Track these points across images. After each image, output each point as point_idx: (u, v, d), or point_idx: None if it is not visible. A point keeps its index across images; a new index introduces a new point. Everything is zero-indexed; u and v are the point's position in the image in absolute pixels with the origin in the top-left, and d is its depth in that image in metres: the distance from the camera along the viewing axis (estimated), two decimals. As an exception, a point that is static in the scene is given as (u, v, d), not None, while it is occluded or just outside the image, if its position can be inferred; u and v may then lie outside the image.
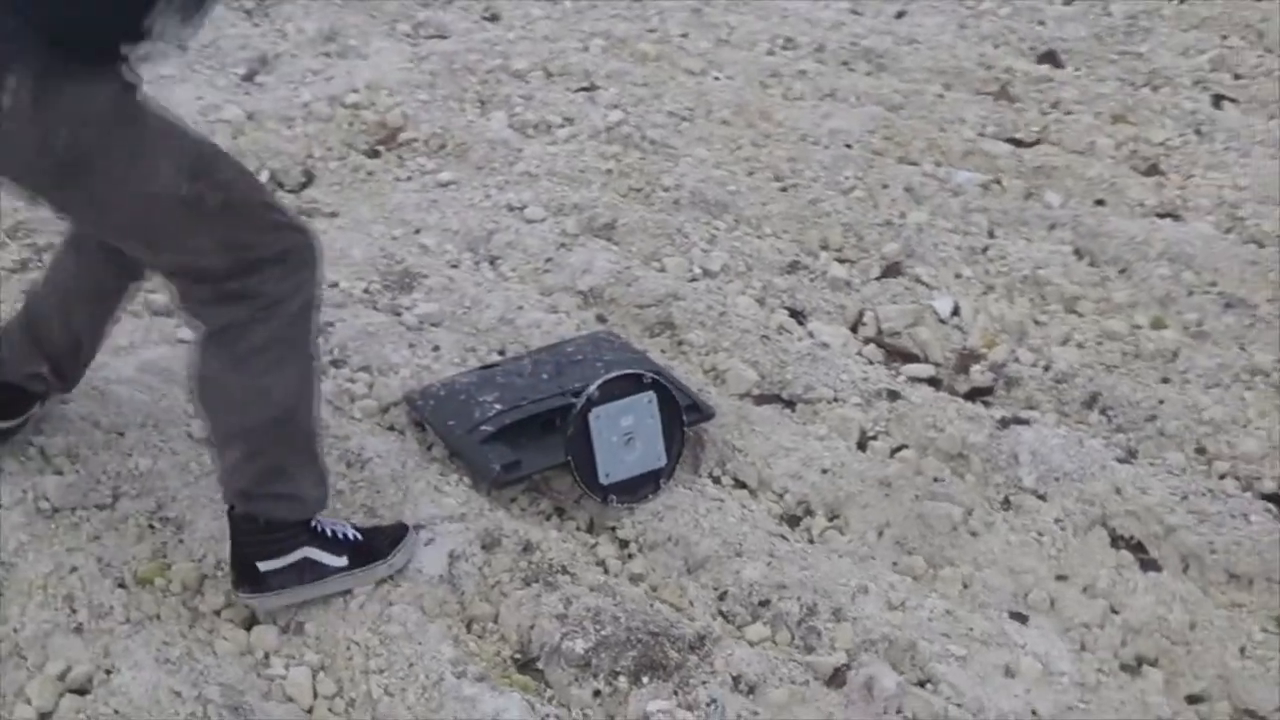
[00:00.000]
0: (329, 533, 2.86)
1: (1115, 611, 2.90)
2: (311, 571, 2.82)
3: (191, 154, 2.56)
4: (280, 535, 2.80)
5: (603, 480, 3.05)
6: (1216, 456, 3.27)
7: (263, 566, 2.81)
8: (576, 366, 3.34)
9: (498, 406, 3.21)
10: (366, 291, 3.83)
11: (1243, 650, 2.81)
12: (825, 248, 4.04)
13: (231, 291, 2.60)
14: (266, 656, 2.78)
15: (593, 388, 3.05)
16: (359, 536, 2.90)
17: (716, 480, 3.24)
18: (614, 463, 3.06)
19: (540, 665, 2.76)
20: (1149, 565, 3.02)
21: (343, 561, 2.85)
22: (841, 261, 3.99)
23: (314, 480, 2.85)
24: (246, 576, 2.82)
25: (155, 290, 3.70)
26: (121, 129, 2.45)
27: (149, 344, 3.57)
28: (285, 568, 2.81)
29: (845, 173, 4.36)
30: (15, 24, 2.34)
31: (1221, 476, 3.22)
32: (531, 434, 3.17)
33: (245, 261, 2.58)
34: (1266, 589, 2.95)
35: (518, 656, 2.79)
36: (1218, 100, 4.75)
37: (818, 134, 4.60)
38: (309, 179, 4.39)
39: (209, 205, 2.53)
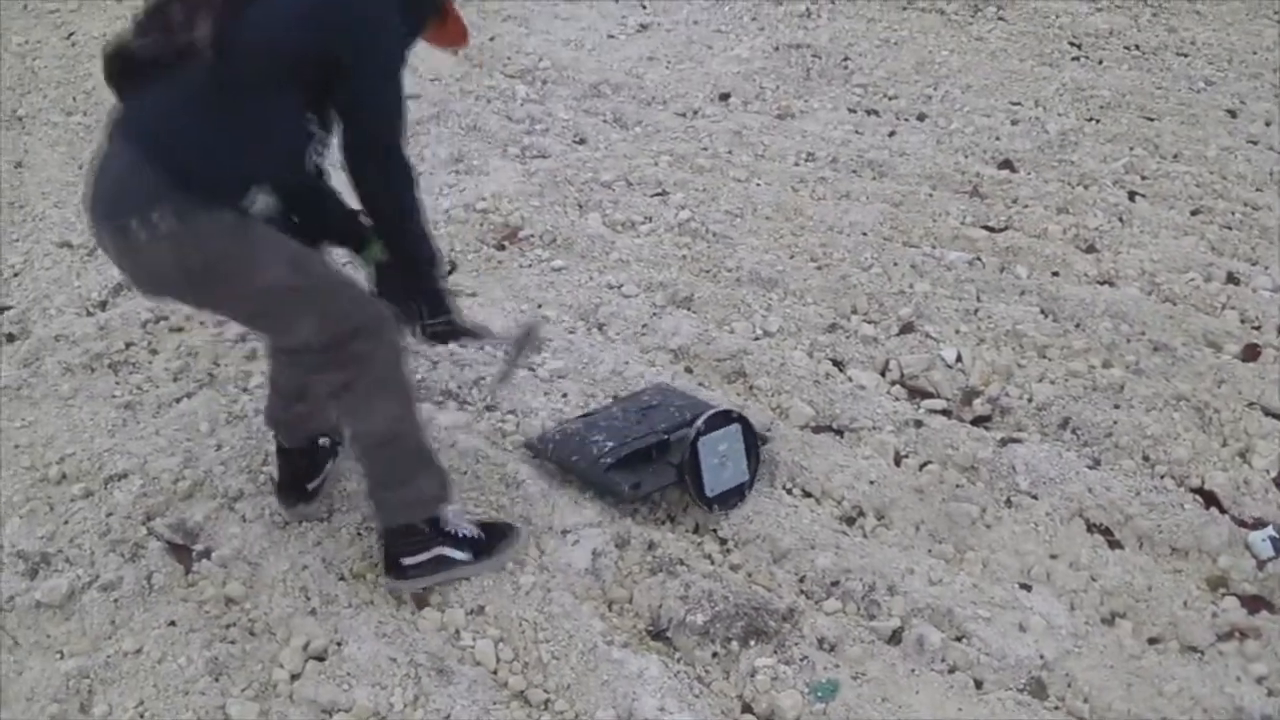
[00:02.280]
0: (457, 533, 2.92)
1: (1094, 580, 2.96)
2: (443, 565, 2.90)
3: (292, 255, 2.64)
4: (418, 537, 2.88)
5: (708, 493, 3.12)
6: (1157, 462, 3.32)
7: (405, 561, 2.89)
8: (656, 410, 3.38)
9: (610, 444, 3.25)
10: (505, 353, 3.88)
11: (1185, 603, 2.89)
12: (855, 312, 4.10)
13: (337, 359, 2.68)
14: (458, 632, 2.86)
15: (700, 422, 3.12)
16: (481, 535, 2.96)
17: (789, 491, 3.30)
18: (715, 479, 3.12)
19: (669, 635, 2.83)
20: (1115, 544, 3.07)
21: (467, 556, 2.92)
22: (869, 322, 4.04)
23: (432, 481, 2.90)
24: (392, 567, 2.90)
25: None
26: (240, 244, 2.55)
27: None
28: (424, 562, 2.89)
29: (865, 254, 4.42)
30: (158, 174, 2.44)
31: (1162, 476, 3.27)
32: (640, 462, 3.21)
33: (341, 332, 2.66)
34: (1199, 558, 3.02)
35: (650, 629, 2.86)
36: (1132, 195, 4.80)
37: (841, 225, 4.66)
38: (454, 267, 4.47)
39: (309, 291, 2.62)
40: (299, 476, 3.15)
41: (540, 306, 4.20)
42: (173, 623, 2.89)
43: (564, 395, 3.67)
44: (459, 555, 2.93)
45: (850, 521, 3.21)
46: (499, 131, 5.66)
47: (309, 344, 2.69)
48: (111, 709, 2.70)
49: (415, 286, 2.83)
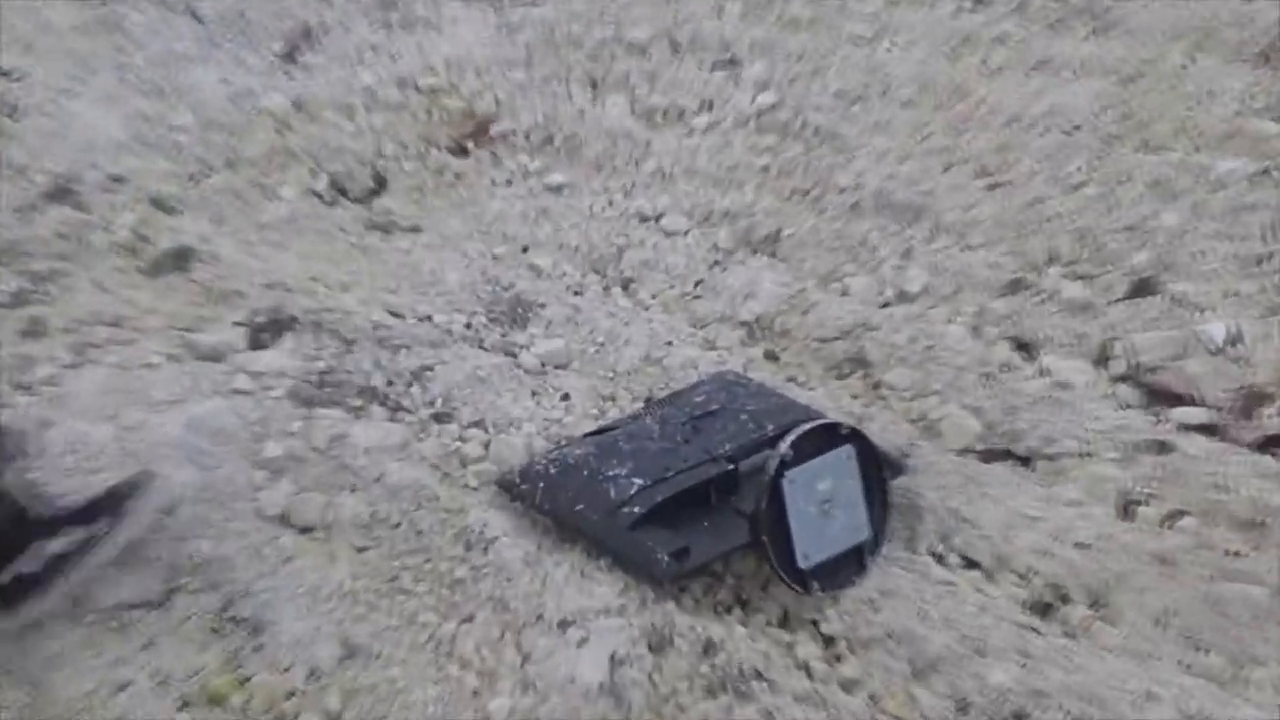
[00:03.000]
0: None
1: None
2: None
3: None
4: None
5: (801, 563, 3.07)
6: None
7: None
8: (714, 420, 3.36)
9: (638, 481, 3.23)
10: (469, 326, 3.88)
11: None
12: (1053, 261, 4.05)
13: None
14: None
15: (785, 445, 3.07)
16: None
17: (940, 559, 3.25)
18: (813, 539, 3.07)
19: (737, 799, 2.78)
20: None
21: None
22: (1076, 278, 3.99)
23: None
24: None
25: (197, 329, 3.78)
26: None
27: (196, 396, 3.63)
28: None
29: (1072, 164, 4.35)
30: None
31: None
32: (689, 511, 3.19)
33: None
34: None
35: (707, 788, 2.82)
36: None
37: (1031, 115, 4.60)
38: (380, 184, 4.45)
39: None
40: None
41: (527, 250, 4.16)
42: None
43: (564, 397, 3.65)
44: None
45: (1044, 611, 3.15)
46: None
47: None
48: None
49: None
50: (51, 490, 3.27)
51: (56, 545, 3.08)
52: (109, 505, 3.20)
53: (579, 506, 3.25)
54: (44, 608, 3.13)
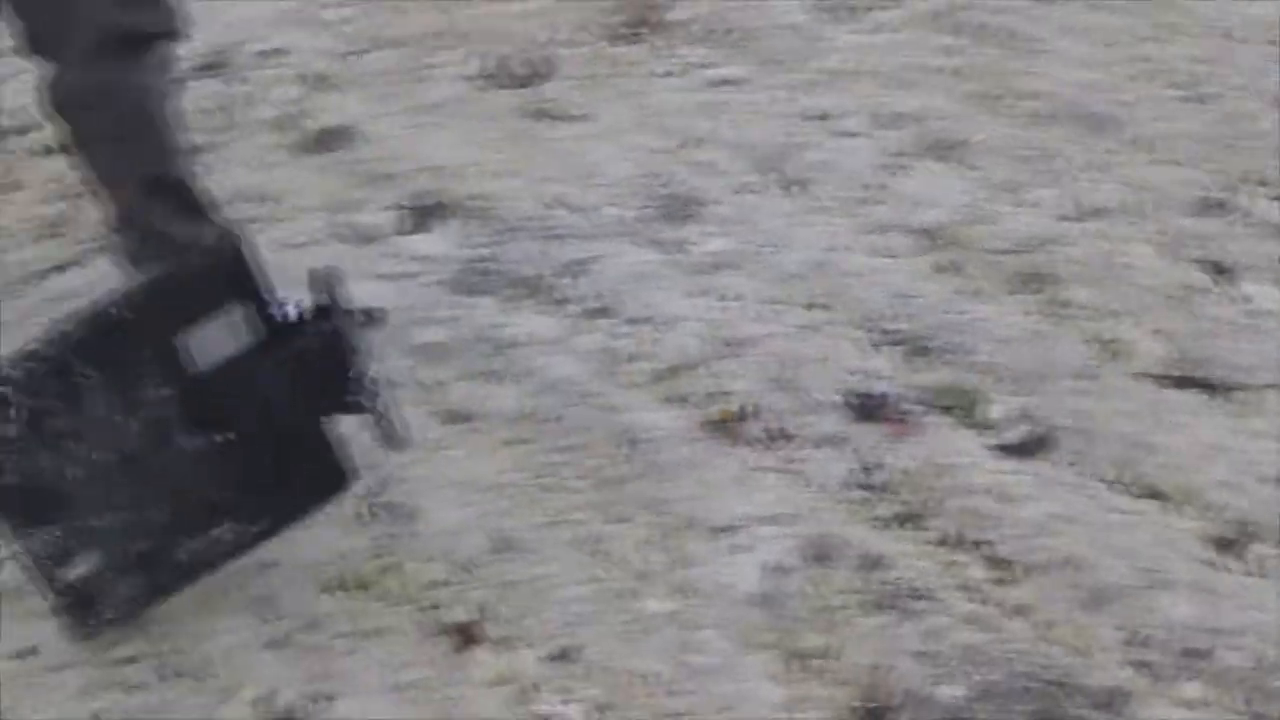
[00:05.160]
0: None
1: None
2: None
3: None
4: None
5: None
6: None
7: None
8: None
9: None
10: (631, 220, 3.89)
11: None
12: (1250, 179, 4.00)
13: None
14: (532, 688, 2.83)
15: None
16: None
17: (1118, 487, 3.23)
18: None
19: (896, 717, 2.78)
20: None
21: None
22: (1277, 199, 3.93)
23: None
24: None
25: (353, 210, 3.81)
26: None
27: (351, 277, 3.65)
28: None
29: (1276, 78, 4.29)
30: None
31: None
32: None
33: None
34: None
35: (866, 705, 2.81)
36: None
37: (1229, 23, 4.54)
38: (544, 70, 4.45)
39: None
40: None
41: (695, 144, 4.16)
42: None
43: (730, 299, 3.64)
44: None
45: (1228, 546, 3.10)
46: None
47: None
48: None
49: None
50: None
51: None
52: None
53: None
54: None
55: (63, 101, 3.19)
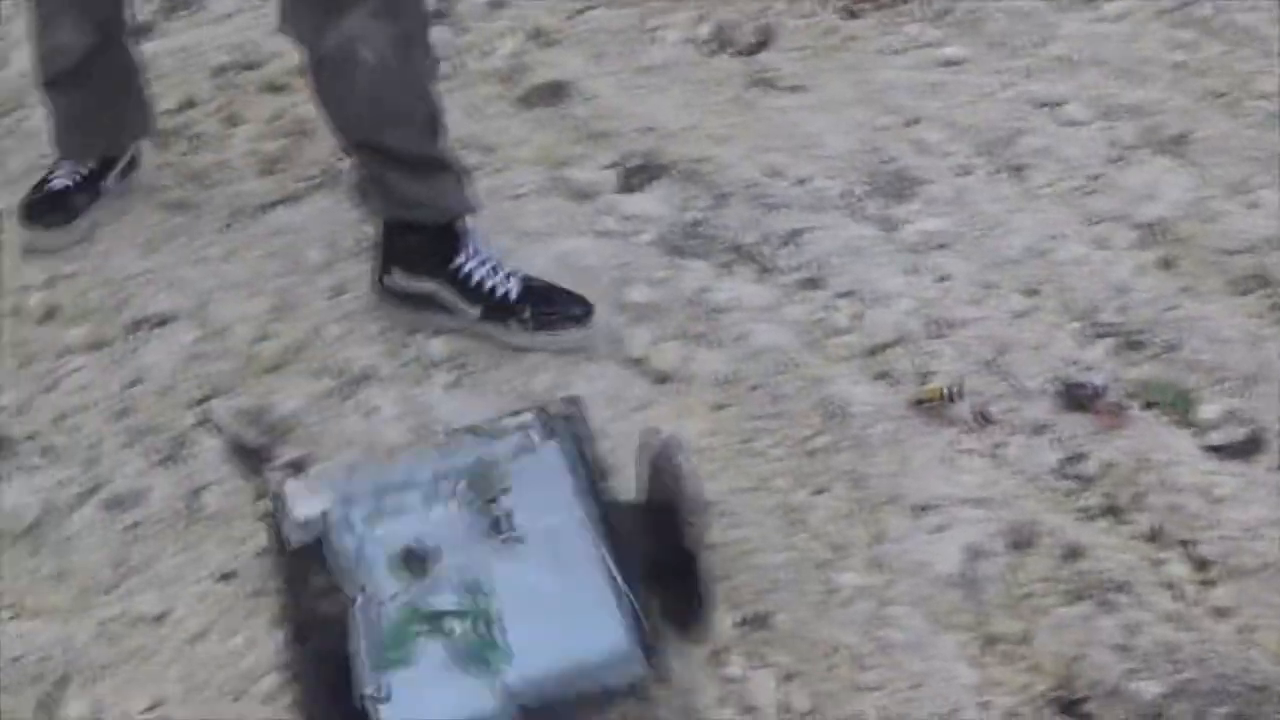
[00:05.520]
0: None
1: None
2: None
3: None
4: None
5: None
6: None
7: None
8: None
9: None
10: (847, 194, 3.90)
11: None
12: None
13: None
14: (722, 652, 2.86)
15: None
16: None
17: (1329, 495, 3.19)
18: None
19: (1090, 709, 2.77)
20: None
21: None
22: None
23: None
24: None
25: (569, 165, 3.85)
26: None
27: (565, 232, 3.71)
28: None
29: None
30: None
31: None
32: None
33: None
34: None
35: (1058, 694, 2.81)
36: None
37: None
38: (766, 39, 4.46)
39: None
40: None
41: (916, 123, 4.15)
42: (228, 576, 2.99)
43: (942, 279, 3.64)
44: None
45: None
46: None
47: None
48: (98, 712, 2.78)
49: None
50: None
51: None
52: None
53: None
54: None
55: (321, 60, 3.23)
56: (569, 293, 3.45)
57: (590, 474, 2.77)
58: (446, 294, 3.44)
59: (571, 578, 2.63)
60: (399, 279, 3.46)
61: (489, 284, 3.41)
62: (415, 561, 2.68)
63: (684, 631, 2.73)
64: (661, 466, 2.74)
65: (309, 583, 2.70)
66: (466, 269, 3.40)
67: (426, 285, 3.44)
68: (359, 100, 3.23)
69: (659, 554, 2.68)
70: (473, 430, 2.88)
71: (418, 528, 2.69)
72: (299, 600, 2.69)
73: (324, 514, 2.74)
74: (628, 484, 2.87)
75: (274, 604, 2.78)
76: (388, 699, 2.52)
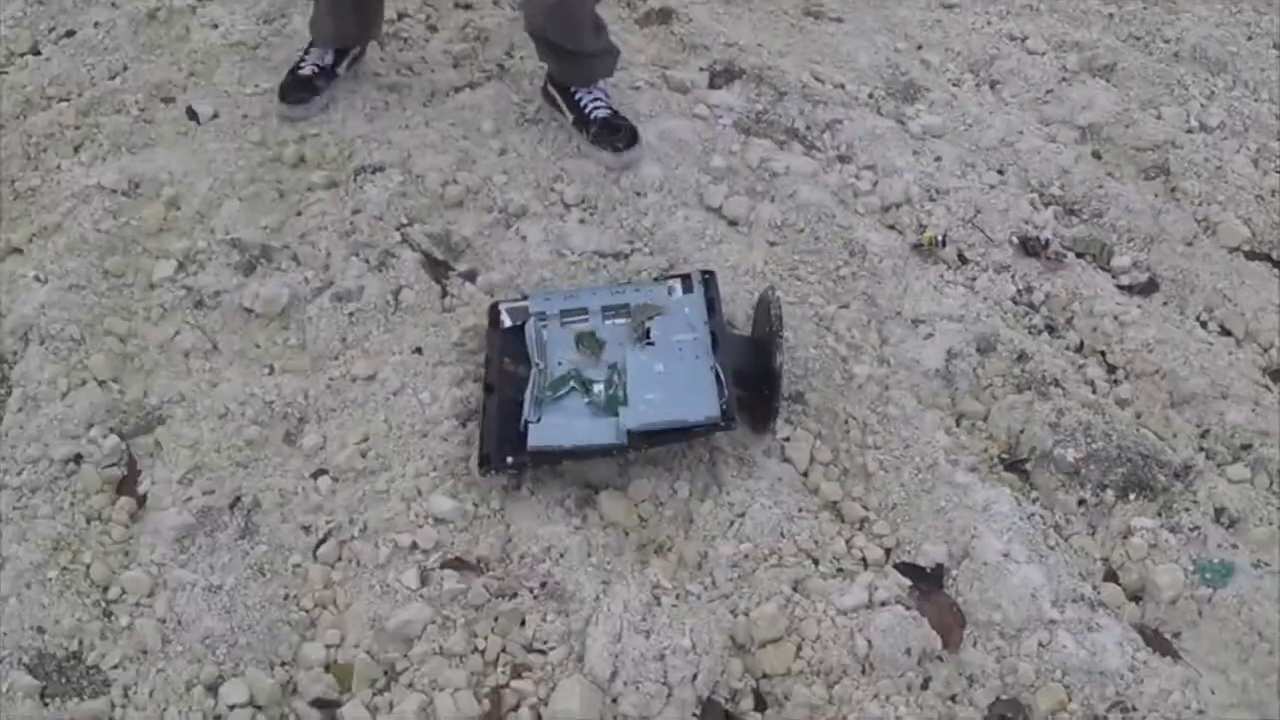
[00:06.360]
0: None
1: None
2: None
3: None
4: None
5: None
6: None
7: None
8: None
9: None
10: (871, 96, 3.85)
11: None
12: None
13: None
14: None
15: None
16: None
17: (1204, 324, 3.18)
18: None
19: (1028, 467, 2.80)
20: None
21: None
22: (1345, 129, 3.77)
23: None
24: None
25: (671, 67, 3.81)
26: None
27: (667, 115, 3.68)
28: None
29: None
30: None
31: None
32: None
33: None
34: None
35: (1006, 456, 2.83)
36: None
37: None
38: (816, -18, 4.38)
39: None
40: None
41: (921, 48, 4.10)
42: (419, 350, 3.01)
43: (937, 159, 3.60)
44: None
45: (1276, 375, 3.06)
46: None
47: None
48: (325, 442, 2.83)
49: None
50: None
51: None
52: None
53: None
54: None
55: None
56: (628, 130, 3.51)
57: (715, 317, 2.85)
58: (565, 105, 3.59)
59: (684, 369, 2.75)
60: (551, 90, 3.62)
61: (588, 109, 3.53)
62: (590, 342, 2.85)
63: (755, 424, 2.77)
64: (764, 312, 2.79)
65: (509, 352, 2.85)
66: (579, 98, 3.56)
67: (559, 99, 3.59)
68: (548, 10, 3.34)
69: (752, 370, 2.74)
70: (638, 284, 3.02)
71: (595, 328, 2.87)
72: (501, 363, 2.82)
73: (528, 310, 2.93)
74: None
75: (482, 367, 2.87)
76: (538, 422, 2.67)
